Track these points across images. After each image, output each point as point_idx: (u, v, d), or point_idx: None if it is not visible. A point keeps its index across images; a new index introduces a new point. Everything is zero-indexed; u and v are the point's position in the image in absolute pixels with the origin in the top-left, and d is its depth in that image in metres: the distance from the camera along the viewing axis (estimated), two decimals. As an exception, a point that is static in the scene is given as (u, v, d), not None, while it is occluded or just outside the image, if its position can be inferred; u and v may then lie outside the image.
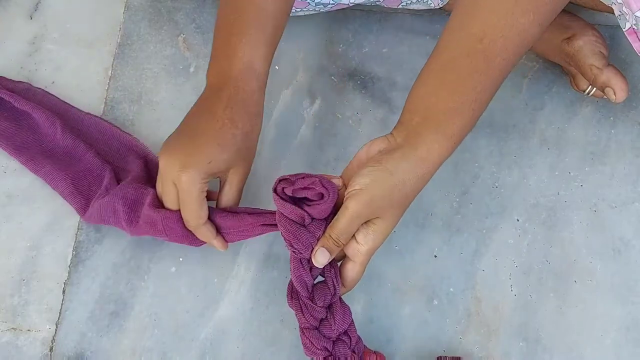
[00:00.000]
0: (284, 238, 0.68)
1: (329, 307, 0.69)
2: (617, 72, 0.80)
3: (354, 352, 0.69)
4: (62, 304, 0.76)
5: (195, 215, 0.70)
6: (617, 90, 0.80)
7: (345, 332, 0.69)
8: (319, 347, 0.67)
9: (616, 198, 0.83)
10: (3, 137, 0.81)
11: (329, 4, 0.85)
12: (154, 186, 0.78)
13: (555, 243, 0.80)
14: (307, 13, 0.87)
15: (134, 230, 0.75)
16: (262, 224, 0.71)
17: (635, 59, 0.90)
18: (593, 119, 0.87)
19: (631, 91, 0.85)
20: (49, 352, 0.74)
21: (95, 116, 0.84)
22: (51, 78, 0.87)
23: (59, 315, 0.75)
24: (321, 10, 0.86)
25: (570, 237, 0.80)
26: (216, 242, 0.73)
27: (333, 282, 0.68)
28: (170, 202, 0.72)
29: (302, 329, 0.69)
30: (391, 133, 0.68)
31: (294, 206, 0.67)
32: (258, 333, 0.75)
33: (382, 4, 0.88)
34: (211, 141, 0.69)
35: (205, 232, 0.72)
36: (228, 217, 0.72)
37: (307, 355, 0.69)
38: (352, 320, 0.69)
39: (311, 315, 0.68)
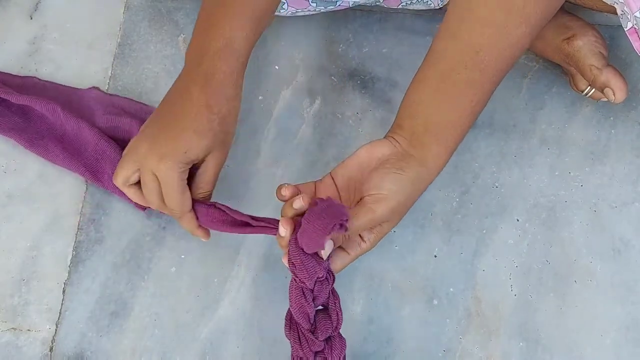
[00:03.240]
0: (290, 263, 0.64)
1: (327, 340, 0.65)
2: (616, 73, 0.80)
3: None
4: (62, 304, 0.76)
5: (178, 203, 0.69)
6: (617, 90, 0.80)
7: None
8: None
9: (616, 198, 0.83)
10: (16, 131, 0.82)
11: (330, 5, 0.85)
12: None
13: (555, 243, 0.80)
14: (307, 13, 0.87)
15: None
16: (248, 225, 0.69)
17: (635, 59, 0.90)
18: (593, 119, 0.87)
19: (631, 91, 0.85)
20: (49, 352, 0.74)
21: (93, 88, 0.85)
22: (51, 78, 0.87)
23: (59, 315, 0.75)
24: (321, 10, 0.86)
25: (570, 237, 0.80)
26: (200, 232, 0.72)
27: (337, 314, 0.65)
28: (151, 192, 0.70)
29: (294, 358, 0.66)
30: (392, 137, 0.68)
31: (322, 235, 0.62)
32: (258, 333, 0.75)
33: (382, 4, 0.88)
34: (187, 129, 0.67)
35: (189, 220, 0.71)
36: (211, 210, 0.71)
37: None
38: (345, 352, 0.67)
39: (309, 349, 0.65)
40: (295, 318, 0.65)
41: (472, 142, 0.85)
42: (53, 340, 0.74)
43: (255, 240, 0.78)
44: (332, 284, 0.65)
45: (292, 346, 0.66)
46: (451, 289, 0.78)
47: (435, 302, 0.77)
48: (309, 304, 0.63)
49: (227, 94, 0.69)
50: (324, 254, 0.63)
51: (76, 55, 0.89)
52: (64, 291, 0.76)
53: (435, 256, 0.79)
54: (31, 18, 0.91)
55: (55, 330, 0.75)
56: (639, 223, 0.81)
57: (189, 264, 0.78)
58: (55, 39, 0.90)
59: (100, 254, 0.78)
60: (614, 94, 0.80)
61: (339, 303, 0.66)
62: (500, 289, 0.78)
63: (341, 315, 0.65)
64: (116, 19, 0.91)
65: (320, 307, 0.66)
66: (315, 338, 0.64)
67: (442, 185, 0.82)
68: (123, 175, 0.71)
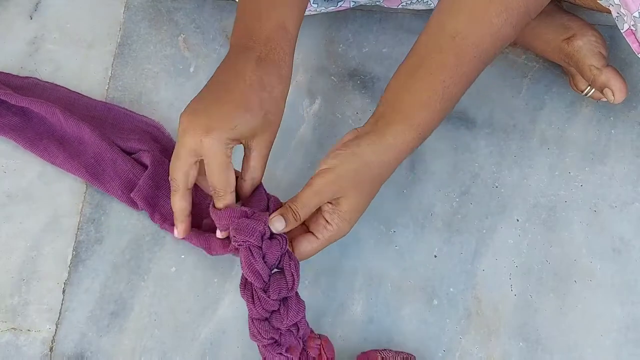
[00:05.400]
0: (230, 231, 0.67)
1: (283, 300, 0.67)
2: (616, 73, 0.81)
3: (299, 338, 0.67)
4: (62, 304, 0.76)
5: (224, 180, 0.67)
6: (616, 91, 0.80)
7: (295, 324, 0.67)
8: (266, 337, 0.66)
9: (616, 198, 0.83)
10: (16, 132, 0.82)
11: (330, 5, 0.85)
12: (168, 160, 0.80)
13: (555, 243, 0.80)
14: (307, 14, 0.87)
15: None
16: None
17: (635, 60, 0.90)
18: (593, 119, 0.87)
19: (631, 91, 0.85)
20: (49, 352, 0.74)
21: (107, 103, 0.85)
22: (51, 78, 0.87)
23: (59, 315, 0.75)
24: (322, 11, 0.86)
25: (570, 237, 0.80)
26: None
27: (293, 275, 0.66)
28: (178, 170, 0.67)
29: (251, 318, 0.67)
30: (362, 126, 0.71)
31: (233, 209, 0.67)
32: (258, 333, 0.75)
33: (382, 4, 0.88)
34: (238, 103, 0.66)
35: (230, 201, 0.68)
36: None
37: (252, 340, 0.67)
38: (304, 314, 0.68)
39: (263, 308, 0.66)
40: (247, 277, 0.66)
41: (472, 142, 0.85)
42: (53, 340, 0.74)
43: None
44: (285, 245, 0.67)
45: (247, 306, 0.67)
46: (451, 289, 0.78)
47: (435, 302, 0.77)
48: (257, 260, 0.65)
49: (280, 74, 0.68)
50: (274, 226, 0.66)
51: (76, 55, 0.89)
52: (64, 291, 0.76)
53: (435, 256, 0.79)
54: (31, 18, 0.91)
55: (55, 330, 0.75)
56: (639, 223, 0.81)
57: (189, 264, 0.78)
58: (55, 39, 0.90)
59: (100, 254, 0.78)
60: (613, 95, 0.80)
61: (296, 265, 0.67)
62: (500, 289, 0.78)
63: (297, 276, 0.67)
64: (116, 19, 0.91)
65: (276, 270, 0.67)
66: (268, 297, 0.65)
67: (442, 185, 0.82)
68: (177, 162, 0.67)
